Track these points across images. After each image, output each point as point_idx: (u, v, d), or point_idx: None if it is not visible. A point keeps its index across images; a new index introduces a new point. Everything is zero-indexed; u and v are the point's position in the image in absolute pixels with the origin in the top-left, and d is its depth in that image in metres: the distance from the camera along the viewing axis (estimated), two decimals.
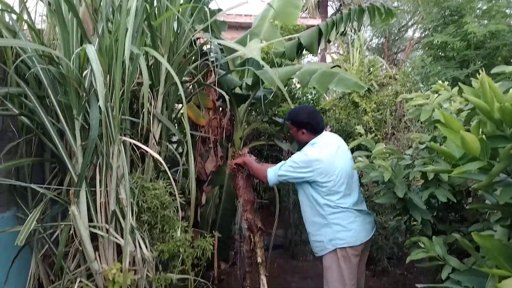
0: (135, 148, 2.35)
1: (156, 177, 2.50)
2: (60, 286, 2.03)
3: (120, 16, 2.00)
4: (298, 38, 3.00)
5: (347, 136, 4.00)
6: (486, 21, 4.66)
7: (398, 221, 2.34)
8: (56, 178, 2.33)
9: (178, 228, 2.29)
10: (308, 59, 9.83)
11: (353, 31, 5.08)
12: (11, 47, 2.13)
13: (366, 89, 2.70)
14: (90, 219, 2.07)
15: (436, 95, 1.94)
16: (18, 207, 2.24)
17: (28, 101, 2.05)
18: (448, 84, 2.01)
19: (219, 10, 3.14)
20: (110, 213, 2.10)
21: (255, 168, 2.72)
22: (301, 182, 2.38)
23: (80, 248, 2.08)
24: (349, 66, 4.84)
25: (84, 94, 1.98)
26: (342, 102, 4.43)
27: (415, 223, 2.03)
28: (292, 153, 2.75)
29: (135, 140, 2.25)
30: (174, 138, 3.02)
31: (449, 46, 4.49)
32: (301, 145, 2.52)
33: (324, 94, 4.89)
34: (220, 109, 3.30)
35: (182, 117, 3.00)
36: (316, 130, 2.43)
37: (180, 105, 2.99)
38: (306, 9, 14.18)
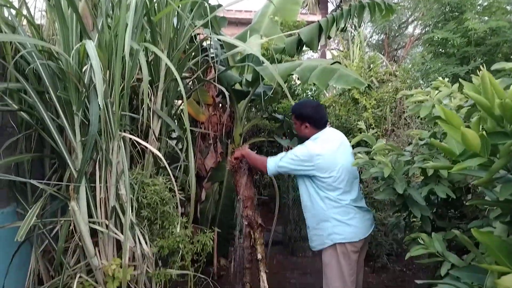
0: (135, 144, 2.35)
1: (155, 173, 2.50)
2: (60, 281, 2.04)
3: (119, 11, 1.99)
4: (298, 34, 3.00)
5: (346, 132, 3.99)
6: (486, 18, 4.65)
7: (397, 217, 2.34)
8: (56, 174, 2.33)
9: (177, 224, 2.30)
10: (308, 55, 9.82)
11: (353, 27, 5.07)
12: (11, 43, 2.13)
13: (366, 85, 2.70)
14: (90, 215, 2.07)
15: (436, 91, 1.94)
16: (18, 203, 2.24)
17: (27, 97, 2.05)
18: (448, 81, 2.01)
19: (219, 5, 3.12)
20: (110, 208, 2.11)
21: (255, 158, 2.71)
22: (302, 174, 2.38)
23: (80, 243, 2.09)
24: (349, 63, 4.82)
25: (84, 90, 1.98)
26: (342, 98, 4.43)
27: (414, 219, 2.03)
28: None
29: (134, 136, 2.26)
30: (174, 134, 3.02)
31: (449, 43, 4.49)
32: (302, 139, 2.51)
33: (324, 91, 4.88)
34: (220, 105, 3.30)
35: (182, 113, 3.00)
36: (319, 124, 2.43)
37: (180, 101, 2.99)
38: (306, 5, 14.12)
